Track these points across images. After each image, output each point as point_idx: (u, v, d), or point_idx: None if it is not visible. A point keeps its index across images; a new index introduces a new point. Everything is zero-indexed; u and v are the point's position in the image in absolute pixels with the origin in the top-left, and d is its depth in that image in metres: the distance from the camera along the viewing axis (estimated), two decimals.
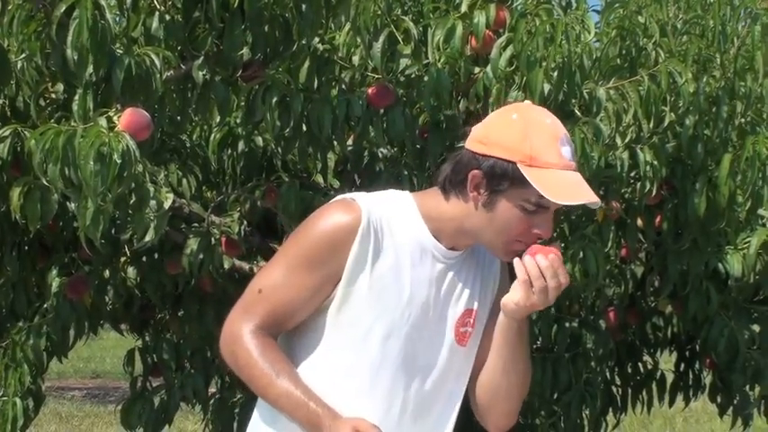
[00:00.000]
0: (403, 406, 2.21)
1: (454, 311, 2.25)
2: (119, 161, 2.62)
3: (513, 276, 2.18)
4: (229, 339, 2.18)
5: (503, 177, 2.13)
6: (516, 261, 2.15)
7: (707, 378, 4.11)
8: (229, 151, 3.76)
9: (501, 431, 2.37)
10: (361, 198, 2.20)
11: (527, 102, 2.37)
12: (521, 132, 2.13)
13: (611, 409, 4.13)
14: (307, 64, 3.33)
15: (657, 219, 3.52)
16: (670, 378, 4.18)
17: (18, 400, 3.63)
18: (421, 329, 2.21)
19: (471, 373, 2.33)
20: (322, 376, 2.18)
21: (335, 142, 3.38)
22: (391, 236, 2.18)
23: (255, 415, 2.29)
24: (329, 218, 2.17)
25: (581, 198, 2.13)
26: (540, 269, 2.12)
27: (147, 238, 2.98)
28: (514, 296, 2.17)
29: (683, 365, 4.17)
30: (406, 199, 2.25)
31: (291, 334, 2.23)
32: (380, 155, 3.65)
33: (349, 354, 2.19)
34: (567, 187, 2.12)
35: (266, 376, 2.12)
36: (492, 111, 3.17)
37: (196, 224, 3.58)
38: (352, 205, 2.17)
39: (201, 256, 3.47)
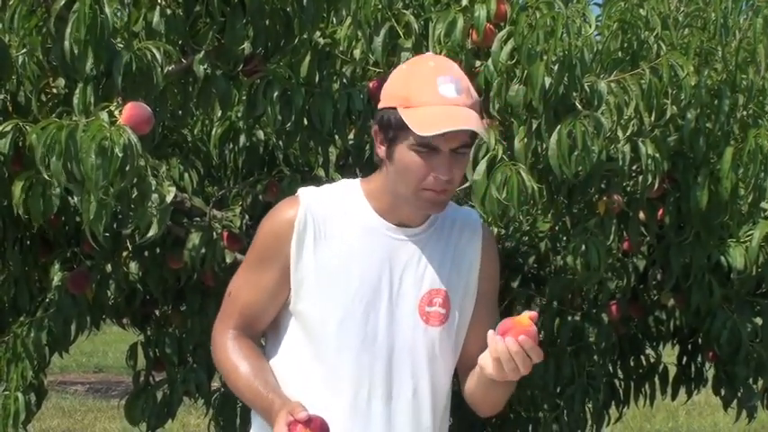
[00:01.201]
0: (370, 388, 2.22)
1: (416, 291, 2.25)
2: (120, 155, 2.62)
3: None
4: (212, 342, 2.34)
5: (389, 125, 2.17)
6: (490, 335, 2.11)
7: (709, 371, 4.11)
8: (231, 145, 3.76)
9: (489, 415, 2.42)
10: (305, 191, 2.28)
11: (430, 53, 2.39)
12: (403, 79, 2.20)
13: (613, 403, 4.13)
14: (308, 58, 3.33)
15: (660, 212, 3.52)
16: (673, 371, 4.18)
17: (20, 395, 3.62)
18: (377, 310, 2.22)
19: (460, 363, 2.33)
20: (292, 369, 2.25)
21: (337, 136, 3.37)
22: (336, 223, 2.23)
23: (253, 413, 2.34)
24: (273, 215, 2.28)
25: (447, 126, 2.11)
26: (510, 353, 2.08)
27: (151, 233, 2.98)
28: (487, 368, 2.15)
29: (685, 359, 4.17)
30: (354, 185, 2.30)
31: (268, 331, 2.33)
32: None
33: (310, 343, 2.24)
34: (437, 119, 2.12)
35: (234, 371, 2.25)
36: (493, 104, 3.20)
37: (198, 218, 3.58)
38: (294, 200, 2.26)
39: (203, 250, 3.47)
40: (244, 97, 3.40)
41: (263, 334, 2.36)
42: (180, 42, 3.04)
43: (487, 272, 2.34)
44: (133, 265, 3.72)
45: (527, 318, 2.10)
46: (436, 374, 2.28)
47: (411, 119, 2.12)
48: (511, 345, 2.07)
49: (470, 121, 2.13)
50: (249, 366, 2.23)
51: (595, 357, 3.81)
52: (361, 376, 2.21)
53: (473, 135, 2.17)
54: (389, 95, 2.20)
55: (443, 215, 2.30)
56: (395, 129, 2.16)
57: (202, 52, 3.01)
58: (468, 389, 2.33)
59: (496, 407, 2.37)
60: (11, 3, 2.91)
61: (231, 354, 2.27)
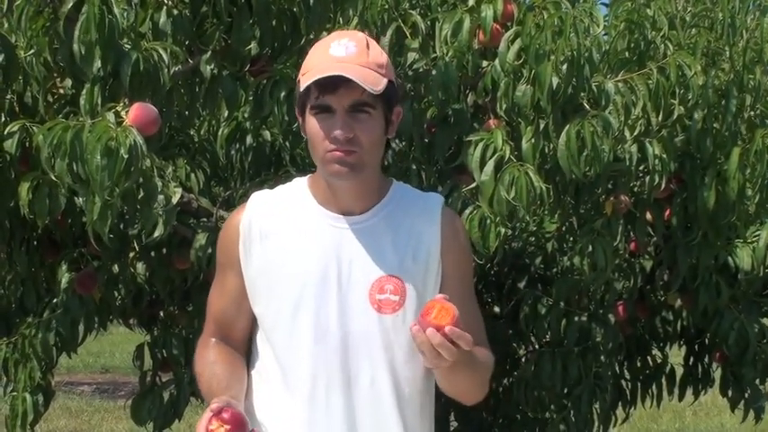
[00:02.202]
0: (328, 380, 2.20)
1: (366, 278, 2.21)
2: (126, 156, 2.62)
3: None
4: None
5: (297, 99, 2.21)
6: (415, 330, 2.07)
7: (716, 372, 4.10)
8: (237, 146, 3.76)
9: (472, 403, 2.36)
10: (255, 195, 2.33)
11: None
12: (307, 56, 2.23)
13: (620, 403, 4.13)
14: None
15: (667, 212, 3.52)
16: (679, 372, 4.18)
17: (28, 396, 3.63)
18: (327, 301, 2.20)
19: None
20: (260, 375, 2.29)
21: None
22: (279, 221, 2.26)
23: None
24: (225, 222, 2.36)
25: (321, 74, 2.12)
26: (434, 345, 2.04)
27: (157, 234, 2.98)
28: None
29: (692, 359, 4.17)
30: (301, 181, 2.34)
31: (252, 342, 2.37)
32: None
33: (269, 345, 2.26)
34: (320, 71, 2.13)
35: (200, 375, 2.32)
36: (500, 105, 3.20)
37: (204, 219, 3.58)
38: (243, 204, 2.31)
39: (210, 250, 3.46)
40: (250, 97, 3.40)
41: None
42: (187, 43, 3.04)
43: (451, 256, 2.27)
44: (140, 266, 3.71)
45: (445, 310, 2.05)
46: (395, 363, 2.22)
47: (304, 81, 2.15)
48: (432, 336, 2.04)
49: (348, 70, 2.11)
50: (212, 370, 2.28)
51: (602, 358, 3.81)
52: (317, 368, 2.20)
53: (377, 97, 2.14)
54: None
55: (398, 201, 2.27)
56: (299, 100, 2.20)
57: (209, 53, 3.01)
58: (437, 379, 2.26)
59: (471, 393, 2.30)
60: (17, 3, 2.91)
61: (201, 359, 2.33)
